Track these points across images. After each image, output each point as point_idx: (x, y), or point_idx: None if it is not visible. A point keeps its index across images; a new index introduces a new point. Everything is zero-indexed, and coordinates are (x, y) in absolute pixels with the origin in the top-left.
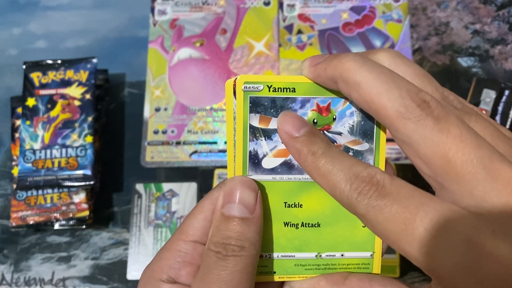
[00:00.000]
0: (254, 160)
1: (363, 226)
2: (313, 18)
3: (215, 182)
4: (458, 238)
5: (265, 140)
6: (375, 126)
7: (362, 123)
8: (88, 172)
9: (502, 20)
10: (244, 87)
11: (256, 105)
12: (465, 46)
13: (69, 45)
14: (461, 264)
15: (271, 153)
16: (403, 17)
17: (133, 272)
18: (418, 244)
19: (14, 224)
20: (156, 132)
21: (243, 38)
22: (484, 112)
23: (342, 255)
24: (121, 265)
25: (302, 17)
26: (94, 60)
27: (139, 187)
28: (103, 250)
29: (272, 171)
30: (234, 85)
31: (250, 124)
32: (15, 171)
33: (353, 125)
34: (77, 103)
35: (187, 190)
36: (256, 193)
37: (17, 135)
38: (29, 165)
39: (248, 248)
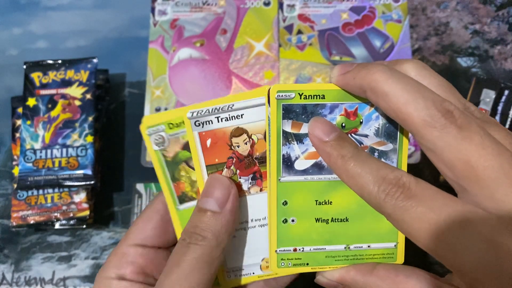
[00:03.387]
0: (287, 163)
1: (387, 220)
2: (313, 18)
3: None
4: (479, 237)
5: (297, 144)
6: (398, 129)
7: (387, 125)
8: (89, 172)
9: (501, 20)
10: (278, 95)
11: (288, 111)
12: (465, 46)
13: (70, 45)
14: (482, 260)
15: (302, 156)
16: (402, 17)
17: None
18: (442, 242)
19: (14, 223)
20: None
21: (243, 38)
22: (484, 111)
23: (368, 246)
24: None
25: (302, 17)
26: (95, 60)
27: (140, 187)
28: (104, 250)
29: (304, 172)
30: (268, 94)
31: (283, 130)
32: (16, 171)
33: (378, 128)
34: (77, 103)
35: None
36: (228, 191)
37: (17, 135)
38: (30, 164)
39: (209, 239)
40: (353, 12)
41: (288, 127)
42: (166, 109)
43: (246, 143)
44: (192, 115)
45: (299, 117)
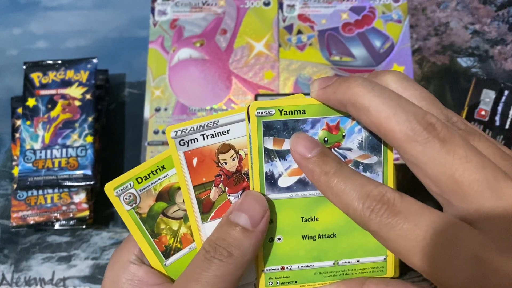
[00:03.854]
0: (271, 180)
1: None
2: (313, 19)
3: None
4: (466, 254)
5: (280, 160)
6: (382, 141)
7: (370, 138)
8: (89, 172)
9: (501, 21)
10: (257, 112)
11: (269, 128)
12: (465, 46)
13: (70, 45)
14: (469, 278)
15: (286, 173)
16: (402, 17)
17: None
18: (428, 260)
19: (14, 224)
20: (156, 132)
21: (243, 38)
22: (483, 113)
23: (357, 260)
24: None
25: (302, 17)
26: (95, 61)
27: None
28: (104, 250)
29: (288, 189)
30: (248, 111)
31: (264, 147)
32: (16, 171)
33: (361, 141)
34: (77, 103)
35: None
36: (264, 211)
37: (17, 135)
38: (30, 165)
39: (236, 257)
40: (353, 12)
41: (269, 144)
42: (166, 109)
43: (233, 159)
44: (176, 134)
45: (280, 133)
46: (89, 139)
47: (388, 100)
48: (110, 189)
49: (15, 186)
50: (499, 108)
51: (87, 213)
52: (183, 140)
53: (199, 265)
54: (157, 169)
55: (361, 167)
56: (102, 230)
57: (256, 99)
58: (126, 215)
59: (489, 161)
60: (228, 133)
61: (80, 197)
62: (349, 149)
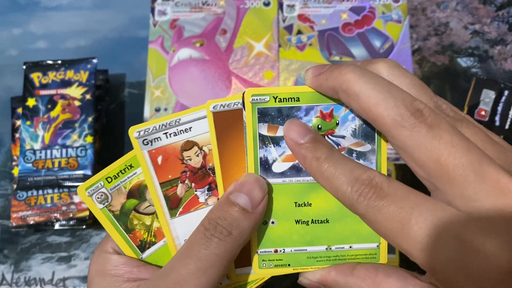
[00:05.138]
0: (265, 166)
1: None
2: (313, 19)
3: None
4: (449, 235)
5: (274, 146)
6: (375, 129)
7: (364, 126)
8: (88, 172)
9: (501, 21)
10: (252, 99)
11: (264, 115)
12: (465, 47)
13: (69, 46)
14: (452, 259)
15: (280, 158)
16: (402, 17)
17: None
18: (413, 241)
19: (14, 224)
20: None
21: (243, 38)
22: (482, 113)
23: (350, 247)
24: None
25: (302, 17)
26: (94, 61)
27: None
28: None
29: (282, 174)
30: (243, 98)
31: (259, 133)
32: (16, 171)
33: (355, 129)
34: (77, 103)
35: None
36: (264, 194)
37: (17, 135)
38: (30, 165)
39: (234, 236)
40: (353, 12)
41: (264, 130)
42: (166, 109)
43: (198, 155)
44: (139, 134)
45: (274, 120)
46: (89, 139)
47: (377, 87)
48: (82, 189)
49: (15, 186)
50: (499, 108)
51: (87, 213)
52: (146, 139)
53: (198, 242)
54: (125, 168)
55: (354, 155)
56: (102, 230)
57: None
58: (100, 214)
59: (474, 146)
60: (190, 131)
61: (80, 197)
62: (343, 137)
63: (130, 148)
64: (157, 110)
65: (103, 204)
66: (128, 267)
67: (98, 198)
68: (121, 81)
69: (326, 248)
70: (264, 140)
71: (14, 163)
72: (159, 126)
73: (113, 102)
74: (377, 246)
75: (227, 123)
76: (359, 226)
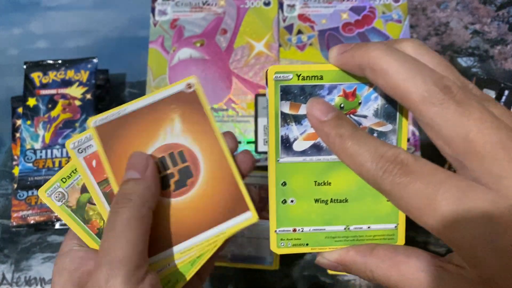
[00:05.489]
0: (286, 144)
1: (387, 200)
2: (313, 19)
3: None
4: (477, 212)
5: (296, 125)
6: (397, 109)
7: (386, 106)
8: None
9: (501, 20)
10: (275, 76)
11: (286, 93)
12: (465, 46)
13: (70, 45)
14: (480, 236)
15: (301, 137)
16: (402, 17)
17: None
18: (440, 218)
19: (14, 223)
20: None
21: (243, 38)
22: None
23: (368, 227)
24: None
25: (302, 17)
26: (95, 60)
27: None
28: None
29: (303, 153)
30: (266, 75)
31: (281, 111)
32: (16, 171)
33: (377, 108)
34: (77, 103)
35: None
36: (146, 160)
37: (18, 135)
38: (30, 164)
39: (134, 200)
40: (353, 12)
41: (286, 108)
42: None
43: None
44: (74, 145)
45: (297, 98)
46: None
47: (406, 63)
48: (42, 191)
49: (15, 185)
50: None
51: None
52: (80, 148)
53: (110, 219)
54: (75, 169)
55: (375, 135)
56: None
57: (256, 99)
58: (59, 210)
59: (504, 123)
60: None
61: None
62: (365, 116)
63: None
64: None
65: (61, 201)
66: (83, 259)
67: (56, 197)
68: (122, 81)
69: (345, 228)
70: (285, 118)
71: (14, 163)
72: (89, 135)
73: (113, 102)
74: (395, 227)
75: (112, 132)
76: (378, 206)
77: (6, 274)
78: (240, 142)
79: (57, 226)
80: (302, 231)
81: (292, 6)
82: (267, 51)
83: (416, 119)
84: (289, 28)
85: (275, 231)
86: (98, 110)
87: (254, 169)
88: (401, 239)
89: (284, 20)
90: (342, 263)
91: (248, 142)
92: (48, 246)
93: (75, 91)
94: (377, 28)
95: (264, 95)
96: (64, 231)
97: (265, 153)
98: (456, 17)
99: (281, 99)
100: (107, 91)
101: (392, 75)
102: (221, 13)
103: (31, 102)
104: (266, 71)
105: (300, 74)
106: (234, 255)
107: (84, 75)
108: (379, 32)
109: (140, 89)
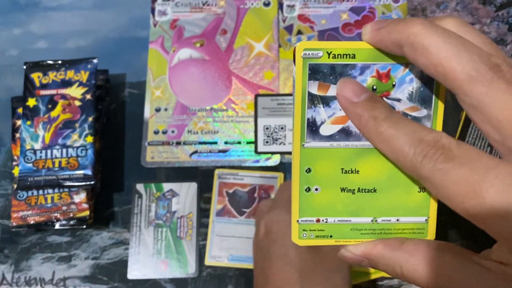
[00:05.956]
0: (312, 127)
1: (418, 191)
2: (313, 19)
3: (215, 182)
4: None
5: (324, 107)
6: (434, 93)
7: (421, 89)
8: (89, 172)
9: (501, 21)
10: (304, 54)
11: (315, 72)
12: None
13: (70, 46)
14: None
15: (329, 120)
16: (402, 17)
17: (134, 272)
18: (487, 206)
19: (14, 224)
20: (156, 132)
21: (243, 38)
22: None
23: (397, 219)
24: (122, 264)
25: (302, 17)
26: (95, 61)
27: (140, 187)
28: (104, 250)
29: (330, 138)
30: (294, 52)
31: (308, 92)
32: (16, 171)
33: (412, 92)
34: (77, 103)
35: (187, 190)
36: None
37: (17, 135)
38: (30, 165)
39: None
40: (353, 12)
41: (314, 88)
42: (166, 109)
43: None
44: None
45: (326, 78)
46: (89, 139)
47: (450, 40)
48: (299, 49)
49: (15, 186)
50: None
51: (87, 213)
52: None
53: None
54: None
55: None
56: (102, 230)
57: (256, 99)
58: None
59: None
60: None
61: (80, 197)
62: (398, 100)
63: (131, 148)
64: (157, 110)
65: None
66: None
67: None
68: (121, 81)
69: (372, 220)
70: (313, 100)
71: (14, 163)
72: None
73: (113, 102)
74: (426, 220)
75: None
76: (408, 197)
77: (6, 274)
78: (239, 143)
79: (57, 226)
80: (326, 221)
81: (292, 7)
82: (267, 52)
83: (459, 101)
84: (289, 29)
85: (297, 221)
86: (98, 111)
87: (254, 169)
88: (431, 234)
89: (284, 21)
90: (368, 257)
91: (248, 143)
92: (48, 246)
93: (75, 92)
94: None
95: (264, 95)
96: (64, 231)
97: (265, 153)
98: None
99: (309, 79)
100: (107, 91)
101: (435, 53)
102: (221, 14)
103: (31, 102)
104: (294, 48)
105: (331, 52)
106: (234, 255)
107: (84, 76)
108: None
109: (140, 90)
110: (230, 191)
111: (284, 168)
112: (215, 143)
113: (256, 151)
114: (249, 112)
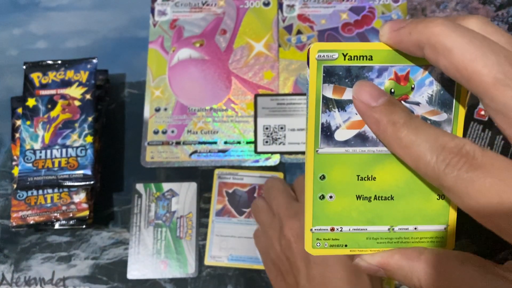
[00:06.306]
0: (327, 132)
1: (437, 199)
2: (313, 19)
3: (215, 182)
4: None
5: (339, 111)
6: (454, 96)
7: (441, 92)
8: (88, 172)
9: (501, 21)
10: (318, 55)
11: (330, 74)
12: None
13: (70, 46)
14: None
15: (344, 125)
16: (402, 17)
17: (133, 272)
18: None
19: (14, 224)
20: (156, 132)
21: (243, 38)
22: (482, 113)
23: (415, 228)
24: (121, 264)
25: (302, 17)
26: (94, 61)
27: (139, 187)
28: (103, 250)
29: (345, 143)
30: (308, 54)
31: (323, 95)
32: (16, 171)
33: (432, 95)
34: (77, 103)
35: (187, 190)
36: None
37: (17, 135)
38: (30, 165)
39: None
40: (352, 12)
41: (329, 92)
42: (165, 109)
43: None
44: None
45: (342, 81)
46: (89, 139)
47: (474, 41)
48: (314, 51)
49: (15, 186)
50: None
51: (87, 213)
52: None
53: None
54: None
55: None
56: (102, 230)
57: (256, 99)
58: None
59: None
60: None
61: (80, 197)
62: (417, 104)
63: (131, 148)
64: (157, 110)
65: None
66: None
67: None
68: (121, 81)
69: (389, 229)
70: (327, 103)
71: (14, 163)
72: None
73: (113, 102)
74: (445, 228)
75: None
76: (427, 205)
77: (6, 274)
78: (239, 143)
79: (56, 226)
80: (341, 230)
81: (291, 6)
82: (266, 51)
83: (484, 105)
84: (289, 28)
85: (311, 229)
86: (98, 111)
87: (254, 169)
88: (450, 243)
89: (283, 20)
90: (385, 268)
91: (248, 143)
92: (47, 246)
93: (75, 92)
94: (376, 29)
95: (263, 95)
96: (64, 231)
97: (265, 153)
98: None
99: (324, 82)
100: (107, 91)
101: (458, 54)
102: (220, 14)
103: (31, 102)
104: (308, 49)
105: (346, 54)
106: (234, 255)
107: (83, 76)
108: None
109: (139, 90)
110: (230, 191)
111: (284, 168)
112: (215, 143)
113: (255, 151)
114: (249, 112)
